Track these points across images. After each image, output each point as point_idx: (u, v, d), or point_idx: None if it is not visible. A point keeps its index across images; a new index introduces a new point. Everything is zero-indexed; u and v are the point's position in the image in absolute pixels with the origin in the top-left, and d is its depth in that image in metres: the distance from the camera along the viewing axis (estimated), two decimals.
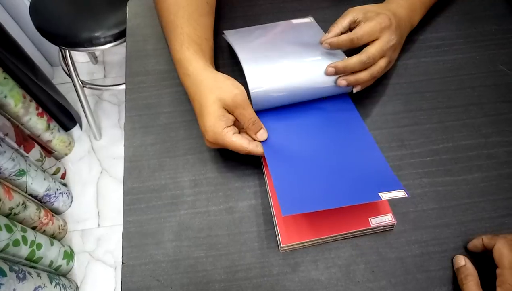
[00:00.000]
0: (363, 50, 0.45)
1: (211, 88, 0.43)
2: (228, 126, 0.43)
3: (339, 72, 0.45)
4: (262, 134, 0.44)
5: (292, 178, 0.41)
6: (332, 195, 0.39)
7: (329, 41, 0.46)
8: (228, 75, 0.45)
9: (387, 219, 0.42)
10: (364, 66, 0.45)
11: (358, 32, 0.45)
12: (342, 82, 0.46)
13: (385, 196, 0.38)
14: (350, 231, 0.42)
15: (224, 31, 0.55)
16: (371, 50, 0.45)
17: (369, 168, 0.42)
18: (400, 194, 0.38)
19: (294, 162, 0.43)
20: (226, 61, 0.56)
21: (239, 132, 0.44)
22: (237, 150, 0.43)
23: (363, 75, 0.46)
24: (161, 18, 0.52)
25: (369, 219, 0.42)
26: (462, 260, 0.40)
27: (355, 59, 0.44)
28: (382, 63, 0.46)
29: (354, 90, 0.47)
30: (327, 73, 0.45)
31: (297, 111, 0.48)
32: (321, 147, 0.44)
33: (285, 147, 0.44)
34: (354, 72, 0.46)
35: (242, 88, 0.43)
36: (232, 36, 0.54)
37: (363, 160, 0.43)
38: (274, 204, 0.44)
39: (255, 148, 0.43)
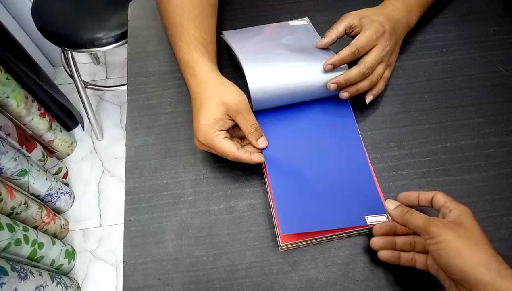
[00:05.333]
0: (360, 60, 0.46)
1: (217, 91, 0.44)
2: (221, 130, 0.43)
3: (341, 86, 0.46)
4: (263, 142, 0.45)
5: (291, 197, 0.43)
6: (325, 217, 0.42)
7: (331, 62, 0.45)
8: (227, 75, 0.46)
9: (385, 218, 0.42)
10: (364, 77, 0.46)
11: (357, 44, 0.45)
12: (345, 94, 0.47)
13: (371, 220, 0.42)
14: (348, 230, 0.42)
15: (223, 32, 0.56)
16: (368, 60, 0.45)
17: (360, 189, 0.45)
18: (383, 218, 0.43)
19: (292, 179, 0.45)
20: (225, 62, 0.57)
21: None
22: (224, 154, 0.43)
23: (363, 85, 0.46)
24: (166, 19, 0.52)
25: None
26: (391, 205, 0.38)
27: (355, 71, 0.45)
28: (380, 70, 0.47)
29: (367, 101, 0.48)
30: (330, 89, 0.46)
31: (294, 119, 0.49)
32: (318, 164, 0.46)
33: (284, 161, 0.46)
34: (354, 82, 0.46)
35: (245, 97, 0.44)
36: (231, 37, 0.54)
37: (355, 181, 0.45)
38: (273, 204, 0.44)
39: (243, 154, 0.43)
